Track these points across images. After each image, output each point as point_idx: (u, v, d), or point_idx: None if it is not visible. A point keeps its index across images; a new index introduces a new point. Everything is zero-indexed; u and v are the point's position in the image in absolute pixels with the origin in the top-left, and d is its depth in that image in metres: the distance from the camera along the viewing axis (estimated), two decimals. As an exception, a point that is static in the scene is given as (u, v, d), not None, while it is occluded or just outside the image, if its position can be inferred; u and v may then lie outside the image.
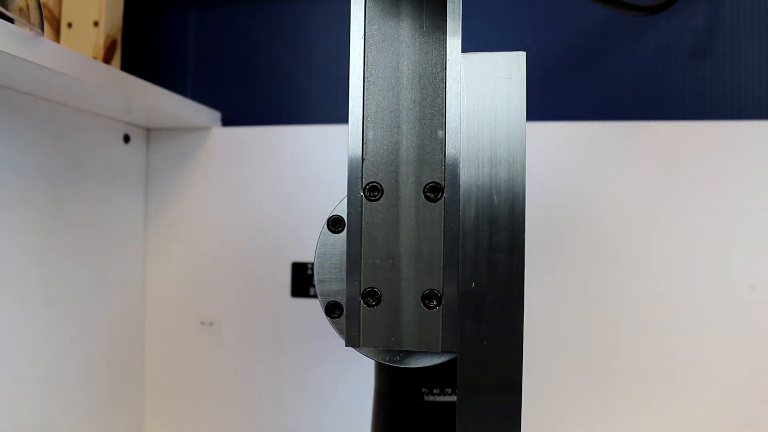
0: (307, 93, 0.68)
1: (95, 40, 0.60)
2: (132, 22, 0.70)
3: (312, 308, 0.64)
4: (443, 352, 0.31)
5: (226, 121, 0.69)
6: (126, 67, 0.66)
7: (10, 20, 0.41)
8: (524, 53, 0.31)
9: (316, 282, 0.32)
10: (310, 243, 0.34)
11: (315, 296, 0.62)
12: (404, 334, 0.31)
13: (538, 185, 0.58)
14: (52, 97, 0.53)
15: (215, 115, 0.68)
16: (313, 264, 0.34)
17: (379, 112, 0.31)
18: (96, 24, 0.60)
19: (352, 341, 0.31)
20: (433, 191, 0.31)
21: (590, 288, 0.58)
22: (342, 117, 0.66)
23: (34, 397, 0.53)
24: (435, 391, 0.35)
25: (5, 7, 0.40)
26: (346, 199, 0.31)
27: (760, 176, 0.56)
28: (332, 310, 0.32)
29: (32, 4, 0.42)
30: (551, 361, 0.59)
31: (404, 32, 0.31)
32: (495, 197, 0.30)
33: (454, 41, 0.31)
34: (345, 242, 0.31)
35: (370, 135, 0.31)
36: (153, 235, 0.68)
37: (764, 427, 0.55)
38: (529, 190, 0.31)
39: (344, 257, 0.31)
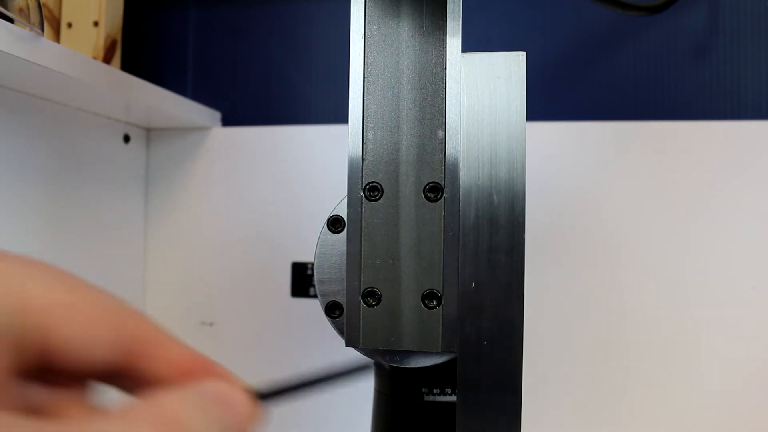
0: (307, 93, 0.68)
1: (95, 40, 0.60)
2: (132, 22, 0.70)
3: (312, 308, 0.64)
4: (443, 352, 0.31)
5: (226, 121, 0.69)
6: (126, 67, 0.66)
7: (10, 20, 0.41)
8: (524, 53, 0.31)
9: (316, 282, 0.32)
10: (310, 243, 0.34)
11: (315, 296, 0.62)
12: (404, 334, 0.31)
13: (538, 185, 0.58)
14: (52, 97, 0.53)
15: (215, 115, 0.68)
16: (313, 264, 0.34)
17: (379, 112, 0.31)
18: (96, 24, 0.60)
19: (352, 341, 0.31)
20: (433, 191, 0.31)
21: (590, 288, 0.58)
22: (342, 117, 0.66)
23: (34, 397, 0.53)
24: (435, 391, 0.35)
25: (5, 7, 0.40)
26: (346, 199, 0.31)
27: (760, 176, 0.56)
28: (332, 310, 0.32)
29: (32, 4, 0.42)
30: (552, 360, 0.59)
31: (404, 32, 0.31)
32: (495, 197, 0.30)
33: (454, 41, 0.31)
34: (345, 242, 0.31)
35: (370, 135, 0.31)
36: (153, 235, 0.68)
37: (765, 427, 0.55)
38: (529, 190, 0.31)
39: (344, 257, 0.31)
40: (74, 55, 0.46)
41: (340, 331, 0.32)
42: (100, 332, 0.16)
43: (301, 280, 0.64)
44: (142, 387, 0.17)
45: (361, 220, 0.31)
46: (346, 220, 0.31)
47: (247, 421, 0.16)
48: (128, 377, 0.17)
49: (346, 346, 0.31)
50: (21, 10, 0.42)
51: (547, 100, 0.63)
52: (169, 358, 0.17)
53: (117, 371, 0.17)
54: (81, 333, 0.15)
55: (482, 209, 0.30)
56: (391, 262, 0.31)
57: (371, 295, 0.31)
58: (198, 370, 0.17)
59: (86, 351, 0.15)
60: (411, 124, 0.31)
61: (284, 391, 0.19)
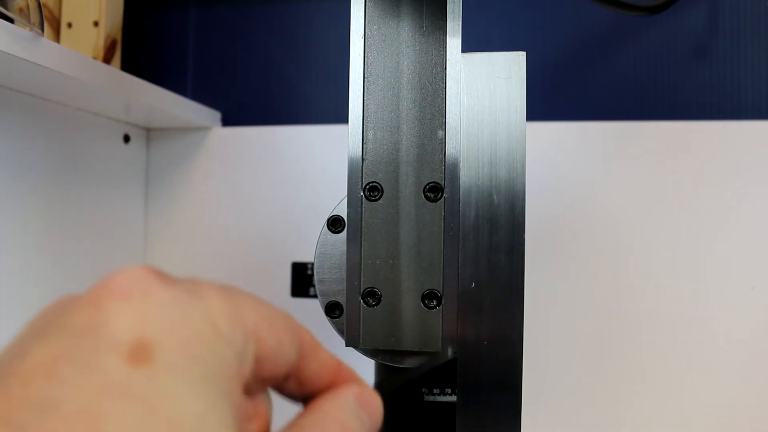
0: (307, 93, 0.68)
1: (95, 40, 0.60)
2: (132, 22, 0.70)
3: (312, 308, 0.64)
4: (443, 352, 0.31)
5: (226, 121, 0.69)
6: (126, 67, 0.66)
7: (10, 20, 0.41)
8: (524, 53, 0.31)
9: (316, 282, 0.32)
10: (310, 243, 0.34)
11: (315, 296, 0.62)
12: (404, 334, 0.31)
13: (537, 185, 0.58)
14: (52, 97, 0.53)
15: (215, 115, 0.68)
16: (313, 264, 0.34)
17: (379, 112, 0.31)
18: (96, 24, 0.60)
19: (352, 341, 0.31)
20: (433, 191, 0.31)
21: (590, 288, 0.58)
22: (342, 117, 0.66)
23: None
24: (435, 391, 0.35)
25: (5, 7, 0.40)
26: (346, 199, 0.31)
27: (760, 176, 0.56)
28: (332, 310, 0.32)
29: (32, 4, 0.42)
30: (552, 360, 0.59)
31: (404, 32, 0.31)
32: (495, 197, 0.30)
33: (454, 41, 0.31)
34: (345, 242, 0.31)
35: (370, 135, 0.31)
36: (153, 235, 0.68)
37: (765, 427, 0.55)
38: (529, 190, 0.31)
39: (344, 257, 0.31)
40: (74, 55, 0.46)
41: (340, 331, 0.32)
42: (289, 340, 0.18)
43: (301, 280, 0.64)
44: (303, 388, 0.19)
45: (361, 220, 0.31)
46: (346, 220, 0.31)
47: (379, 418, 0.20)
48: (294, 379, 0.19)
49: (346, 346, 0.31)
50: (21, 10, 0.42)
51: (547, 100, 0.63)
52: (322, 361, 0.19)
53: (289, 375, 0.19)
54: (278, 343, 0.17)
55: (482, 209, 0.30)
56: (391, 262, 0.31)
57: (371, 295, 0.31)
58: (340, 372, 0.20)
59: (281, 358, 0.18)
60: (411, 124, 0.31)
61: (391, 389, 0.22)
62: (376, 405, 0.19)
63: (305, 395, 0.19)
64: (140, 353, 0.14)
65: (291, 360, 0.18)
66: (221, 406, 0.15)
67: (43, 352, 0.14)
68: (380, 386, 0.21)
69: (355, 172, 0.31)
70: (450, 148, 0.30)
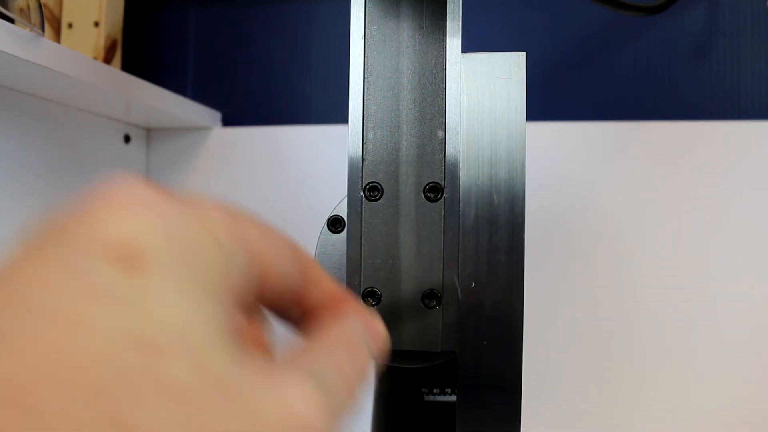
0: (307, 93, 0.68)
1: (95, 40, 0.60)
2: (132, 22, 0.70)
3: (312, 308, 0.64)
4: (443, 352, 0.31)
5: (226, 121, 0.69)
6: (126, 67, 0.66)
7: (11, 20, 0.41)
8: (524, 53, 0.31)
9: (316, 282, 0.32)
10: (310, 243, 0.34)
11: (315, 296, 0.62)
12: (404, 334, 0.31)
13: (537, 185, 0.58)
14: (52, 97, 0.53)
15: (215, 115, 0.68)
16: (313, 264, 0.34)
17: (379, 112, 0.31)
18: (96, 24, 0.60)
19: (352, 341, 0.31)
20: (433, 191, 0.31)
21: (590, 288, 0.58)
22: (342, 117, 0.66)
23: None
24: (435, 391, 0.35)
25: (5, 7, 0.40)
26: (346, 199, 0.31)
27: (760, 176, 0.56)
28: (332, 310, 0.32)
29: (33, 5, 0.42)
30: (552, 360, 0.59)
31: (404, 32, 0.31)
32: (495, 197, 0.30)
33: (454, 41, 0.31)
34: (345, 242, 0.31)
35: (370, 135, 0.31)
36: (153, 235, 0.68)
37: (765, 426, 0.55)
38: (529, 190, 0.31)
39: (344, 257, 0.31)
40: (74, 56, 0.46)
41: (340, 331, 0.32)
42: (292, 260, 0.18)
43: (301, 280, 0.64)
44: (307, 315, 0.19)
45: (361, 220, 0.31)
46: (346, 220, 0.31)
47: (385, 345, 0.20)
48: (298, 305, 0.19)
49: (346, 346, 0.31)
50: (22, 10, 0.42)
51: (547, 100, 0.63)
52: (326, 285, 0.19)
53: (293, 299, 0.19)
54: (281, 262, 0.17)
55: (482, 209, 0.30)
56: (391, 262, 0.31)
57: (371, 295, 0.31)
58: (345, 301, 0.20)
59: (284, 278, 0.17)
60: (411, 124, 0.31)
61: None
62: (382, 332, 0.20)
63: (309, 324, 0.19)
64: (132, 260, 0.14)
65: (294, 281, 0.18)
66: (215, 316, 0.14)
67: (29, 259, 0.14)
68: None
69: (355, 172, 0.31)
70: (450, 148, 0.30)
